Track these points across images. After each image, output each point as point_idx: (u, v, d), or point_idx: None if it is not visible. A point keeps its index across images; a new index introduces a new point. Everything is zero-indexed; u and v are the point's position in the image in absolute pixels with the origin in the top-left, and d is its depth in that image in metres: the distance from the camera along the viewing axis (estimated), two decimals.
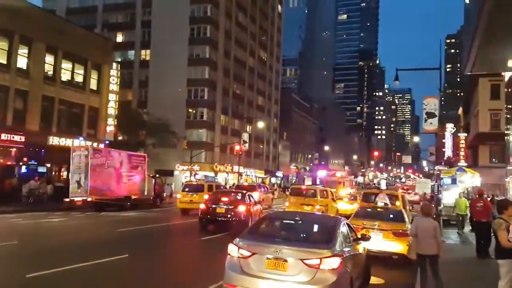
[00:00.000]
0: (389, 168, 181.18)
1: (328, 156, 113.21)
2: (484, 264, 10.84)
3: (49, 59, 31.82)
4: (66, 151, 26.65)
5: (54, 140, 31.33)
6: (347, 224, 7.91)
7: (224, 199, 17.24)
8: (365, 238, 8.39)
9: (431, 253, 7.77)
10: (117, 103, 38.22)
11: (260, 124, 64.99)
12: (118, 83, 39.02)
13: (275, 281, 5.90)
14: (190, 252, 12.23)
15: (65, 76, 33.39)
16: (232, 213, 16.28)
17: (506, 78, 33.37)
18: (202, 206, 17.16)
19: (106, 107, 37.17)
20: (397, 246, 11.08)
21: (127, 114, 47.37)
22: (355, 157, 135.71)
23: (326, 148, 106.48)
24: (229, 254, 6.39)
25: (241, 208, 16.62)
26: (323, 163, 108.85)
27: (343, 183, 45.14)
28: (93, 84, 35.86)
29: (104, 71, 36.89)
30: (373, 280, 9.21)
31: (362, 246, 8.40)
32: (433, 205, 16.92)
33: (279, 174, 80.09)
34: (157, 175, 32.48)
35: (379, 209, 12.69)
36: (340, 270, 6.01)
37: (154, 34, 58.88)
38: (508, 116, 34.36)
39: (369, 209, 13.19)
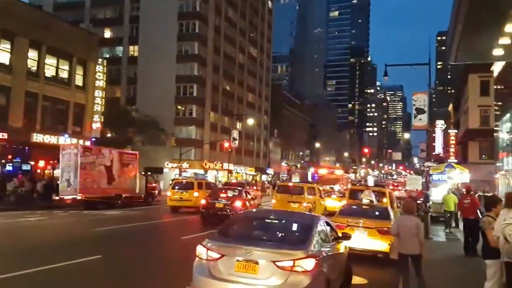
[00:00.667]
0: (381, 165, 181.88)
1: (319, 153, 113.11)
2: (471, 262, 10.53)
3: (33, 54, 31.17)
4: (51, 149, 26.16)
5: (38, 137, 30.69)
6: (327, 222, 7.52)
7: (223, 195, 19.21)
8: (346, 237, 8.00)
9: (413, 252, 7.40)
10: (103, 99, 37.61)
11: (250, 121, 64.55)
12: (105, 79, 38.40)
13: (245, 285, 5.51)
14: (169, 252, 11.78)
15: (49, 72, 32.76)
16: (230, 208, 17.91)
17: (495, 74, 33.33)
18: (203, 201, 18.88)
19: (92, 103, 36.55)
20: (382, 244, 10.76)
21: (115, 111, 46.79)
22: (346, 154, 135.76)
23: (318, 145, 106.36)
24: (198, 256, 5.97)
25: (238, 203, 18.39)
26: (314, 160, 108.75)
27: (341, 180, 46.54)
28: (78, 80, 35.23)
29: (90, 67, 36.27)
30: (356, 280, 8.85)
31: (343, 245, 8.03)
32: (420, 202, 16.63)
33: (270, 171, 79.76)
34: (149, 173, 32.15)
35: (364, 207, 12.33)
36: (315, 272, 5.62)
37: (142, 29, 58.08)
38: (497, 112, 34.35)
39: (354, 207, 12.85)
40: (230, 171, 60.26)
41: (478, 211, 11.67)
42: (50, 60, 32.68)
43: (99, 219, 18.72)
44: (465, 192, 14.74)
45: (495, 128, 34.43)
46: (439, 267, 9.77)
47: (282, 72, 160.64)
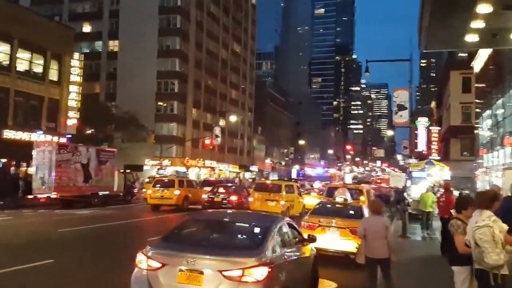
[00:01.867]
0: (365, 162, 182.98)
1: (304, 150, 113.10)
2: (447, 264, 10.05)
3: (4, 48, 30.17)
4: (24, 146, 25.36)
5: (10, 134, 29.63)
6: (289, 224, 6.94)
7: (221, 190, 22.77)
8: (311, 239, 7.44)
9: (381, 256, 6.82)
10: (80, 95, 36.60)
11: (234, 118, 63.89)
12: (81, 74, 37.37)
13: None
14: (130, 255, 11.06)
15: (22, 66, 31.70)
16: (226, 201, 21.26)
17: (476, 70, 33.27)
18: (204, 196, 22.73)
19: (67, 99, 35.53)
20: (355, 245, 10.22)
21: (94, 107, 45.74)
22: (331, 151, 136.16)
23: (302, 142, 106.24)
24: (137, 266, 5.33)
25: (233, 198, 21.75)
26: (299, 157, 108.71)
27: (335, 177, 48.20)
28: (53, 75, 34.19)
29: (66, 62, 35.25)
30: (325, 284, 8.32)
31: (309, 248, 7.47)
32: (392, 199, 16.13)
33: (254, 168, 79.28)
34: (128, 171, 31.53)
35: (338, 205, 11.80)
36: (267, 281, 5.03)
37: (122, 24, 56.87)
38: (478, 110, 34.31)
39: (328, 205, 12.33)
40: (212, 169, 59.57)
41: (452, 210, 11.23)
42: (23, 54, 31.64)
43: (68, 219, 17.93)
44: (443, 190, 14.37)
45: (475, 126, 34.41)
46: (412, 269, 9.32)
47: (266, 69, 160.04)
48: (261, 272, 4.99)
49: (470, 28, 6.23)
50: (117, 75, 56.72)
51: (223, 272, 4.90)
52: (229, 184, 27.69)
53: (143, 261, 5.24)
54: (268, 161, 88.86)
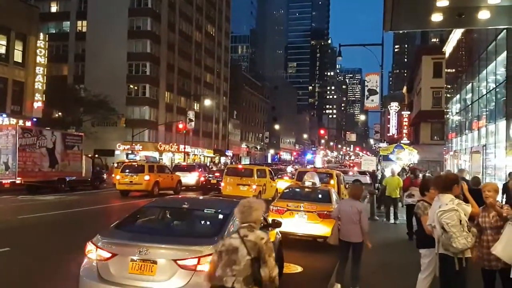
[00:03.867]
0: (339, 146, 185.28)
1: (279, 135, 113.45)
2: (414, 248, 10.10)
3: None
4: None
5: None
6: None
7: (217, 174, 25.78)
8: (276, 224, 7.27)
9: (354, 240, 6.83)
10: (45, 77, 35.19)
11: (208, 102, 63.13)
12: (46, 55, 35.86)
13: None
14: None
15: None
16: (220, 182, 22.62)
17: (447, 55, 33.70)
18: (202, 179, 26.30)
19: (33, 81, 34.16)
20: (322, 229, 10.19)
21: (61, 89, 44.27)
22: (305, 136, 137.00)
23: (278, 127, 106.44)
24: (86, 256, 5.03)
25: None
26: (274, 142, 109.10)
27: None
28: (17, 56, 32.87)
29: (30, 42, 33.78)
30: (290, 268, 8.23)
31: (274, 233, 7.32)
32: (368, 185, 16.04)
33: (229, 153, 79.01)
34: (96, 155, 30.78)
35: (307, 189, 11.72)
36: None
37: (91, 3, 54.88)
38: (448, 95, 34.87)
39: (297, 189, 12.24)
40: (187, 153, 58.91)
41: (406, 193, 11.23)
42: None
43: (31, 205, 17.33)
44: (410, 173, 14.44)
45: (445, 110, 35.01)
46: (379, 253, 9.30)
47: (242, 53, 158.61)
48: None
49: (435, 7, 6.07)
50: (85, 56, 54.90)
51: (178, 261, 4.66)
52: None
53: (93, 251, 4.95)
54: (243, 145, 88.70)
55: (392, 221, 14.69)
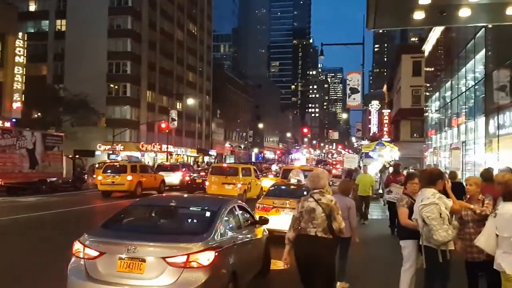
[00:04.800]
0: (322, 144, 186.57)
1: (263, 133, 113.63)
2: (396, 242, 10.27)
3: None
4: None
5: None
6: (240, 206, 6.77)
7: (202, 173, 26.07)
8: (264, 220, 7.32)
9: (343, 235, 6.90)
10: (24, 77, 34.53)
11: (191, 101, 62.75)
12: (25, 55, 35.19)
13: (128, 287, 4.62)
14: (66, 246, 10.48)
15: None
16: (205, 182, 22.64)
17: (426, 53, 34.27)
18: (186, 178, 26.03)
19: (12, 81, 33.54)
20: None
21: (40, 89, 43.45)
22: (289, 134, 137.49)
23: (261, 125, 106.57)
24: (74, 255, 5.00)
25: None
26: (258, 140, 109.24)
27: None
28: None
29: (9, 42, 33.19)
30: (277, 265, 8.24)
31: (261, 230, 7.36)
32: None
33: (213, 152, 78.77)
34: (77, 156, 30.33)
35: (292, 187, 11.81)
36: (214, 266, 4.84)
37: (70, 2, 54.00)
38: (427, 93, 35.48)
39: (283, 187, 12.34)
40: (170, 153, 58.47)
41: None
42: None
43: (9, 207, 16.99)
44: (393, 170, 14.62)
45: (425, 108, 35.64)
46: (362, 248, 9.42)
47: (225, 52, 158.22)
48: (207, 257, 4.79)
49: (418, 4, 6.19)
50: (65, 56, 53.95)
51: (167, 259, 4.66)
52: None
53: (80, 250, 4.91)
54: (227, 144, 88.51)
55: (362, 221, 13.54)
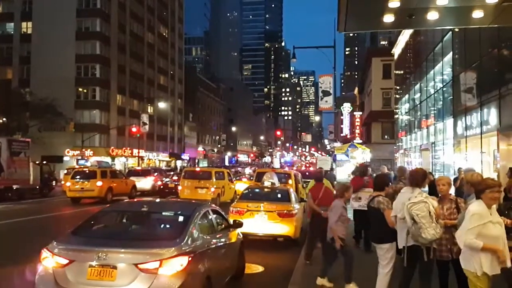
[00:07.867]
0: (295, 147, 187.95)
1: (236, 137, 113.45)
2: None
3: None
4: None
5: None
6: (214, 210, 6.66)
7: (175, 178, 25.73)
8: (237, 224, 7.23)
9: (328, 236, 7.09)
10: None
11: (162, 105, 61.93)
12: None
13: None
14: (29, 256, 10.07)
15: None
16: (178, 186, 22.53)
17: (395, 57, 35.06)
18: (159, 183, 26.15)
19: None
20: (282, 228, 10.27)
21: (6, 94, 42.07)
22: (262, 137, 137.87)
23: (234, 129, 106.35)
24: (41, 263, 4.81)
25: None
26: (231, 144, 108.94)
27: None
28: None
29: None
30: (252, 268, 8.18)
31: (235, 233, 7.27)
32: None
33: (186, 156, 77.97)
34: (44, 162, 29.43)
35: (266, 190, 11.75)
36: (187, 271, 4.72)
37: (36, 4, 52.43)
38: (397, 95, 36.27)
39: (256, 190, 12.23)
40: (141, 158, 57.49)
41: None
42: None
43: None
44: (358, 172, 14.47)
45: (395, 111, 36.40)
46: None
47: (196, 55, 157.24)
48: (180, 262, 4.67)
49: (387, 8, 6.28)
50: (31, 59, 52.24)
51: (139, 265, 4.53)
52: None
53: (49, 258, 4.71)
54: (200, 148, 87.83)
55: None
